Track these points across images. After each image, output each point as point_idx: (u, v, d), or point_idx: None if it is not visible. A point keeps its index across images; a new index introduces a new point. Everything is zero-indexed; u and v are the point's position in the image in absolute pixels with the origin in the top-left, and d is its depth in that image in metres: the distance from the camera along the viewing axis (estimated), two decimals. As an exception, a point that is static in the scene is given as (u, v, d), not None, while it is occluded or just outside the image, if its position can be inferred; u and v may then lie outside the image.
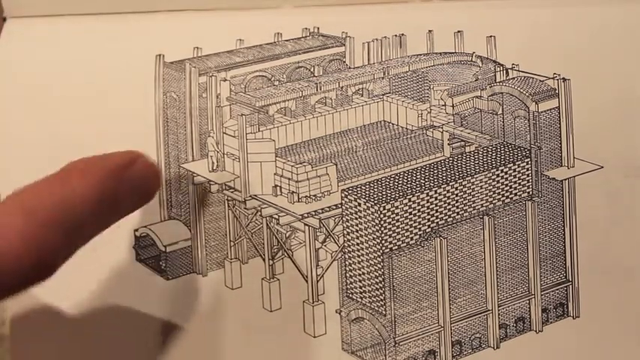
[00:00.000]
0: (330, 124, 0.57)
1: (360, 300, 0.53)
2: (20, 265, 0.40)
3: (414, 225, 0.52)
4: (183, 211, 0.56)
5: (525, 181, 0.54)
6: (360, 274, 0.53)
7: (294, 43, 0.57)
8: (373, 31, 0.56)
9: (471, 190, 0.53)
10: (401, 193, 0.52)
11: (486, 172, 0.53)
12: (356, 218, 0.52)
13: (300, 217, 0.53)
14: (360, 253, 0.53)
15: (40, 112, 0.56)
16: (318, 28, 0.57)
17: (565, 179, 0.53)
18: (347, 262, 0.53)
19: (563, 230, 0.54)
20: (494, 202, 0.53)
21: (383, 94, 0.58)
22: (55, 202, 0.42)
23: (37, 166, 0.56)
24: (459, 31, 0.54)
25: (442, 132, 0.56)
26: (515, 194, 0.54)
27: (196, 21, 0.57)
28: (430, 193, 0.52)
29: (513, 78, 0.54)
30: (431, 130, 0.57)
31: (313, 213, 0.53)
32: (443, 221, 0.53)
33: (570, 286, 0.54)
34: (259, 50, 0.57)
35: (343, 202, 0.53)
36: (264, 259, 0.55)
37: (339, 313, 0.54)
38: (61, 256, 0.42)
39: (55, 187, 0.42)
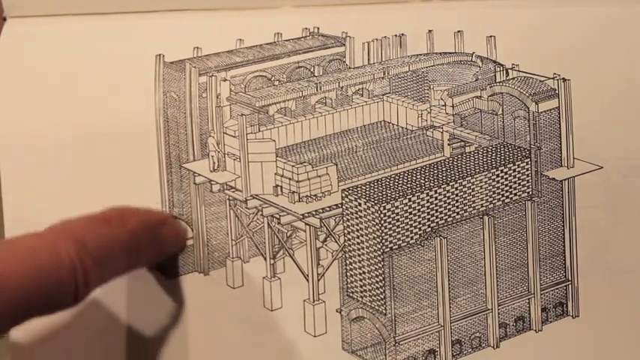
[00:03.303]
0: (330, 124, 0.57)
1: (360, 299, 0.53)
2: (64, 284, 0.44)
3: (414, 225, 0.52)
4: (185, 210, 0.56)
5: (525, 181, 0.54)
6: (360, 274, 0.53)
7: (294, 43, 0.57)
8: (373, 31, 0.56)
9: (470, 190, 0.53)
10: (401, 193, 0.52)
11: (486, 172, 0.53)
12: (356, 218, 0.52)
13: (301, 216, 0.53)
14: (360, 253, 0.53)
15: (41, 111, 0.56)
16: (318, 28, 0.57)
17: (565, 179, 0.53)
18: (347, 262, 0.53)
19: (563, 230, 0.54)
20: (494, 202, 0.54)
21: (383, 94, 0.58)
22: (99, 239, 0.46)
23: (37, 165, 0.56)
24: (459, 31, 0.55)
25: (442, 132, 0.56)
26: (515, 194, 0.54)
27: (196, 21, 0.57)
28: (430, 193, 0.52)
29: (513, 78, 0.54)
30: (431, 130, 0.57)
31: (314, 212, 0.53)
32: (443, 221, 0.53)
33: (570, 285, 0.54)
34: (259, 50, 0.57)
35: (344, 201, 0.53)
36: (265, 258, 0.55)
37: (340, 313, 0.54)
38: (90, 288, 0.45)
39: (99, 226, 0.47)
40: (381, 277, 0.52)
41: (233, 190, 0.55)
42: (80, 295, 0.45)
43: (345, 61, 0.57)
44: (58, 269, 0.43)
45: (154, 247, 0.51)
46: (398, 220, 0.52)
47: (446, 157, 0.56)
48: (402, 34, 0.55)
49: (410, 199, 0.52)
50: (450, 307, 0.53)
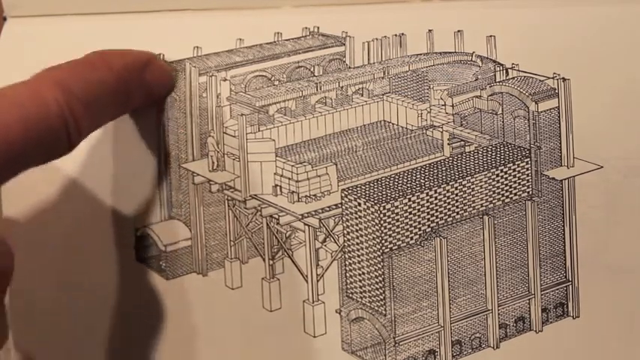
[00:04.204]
0: (330, 123, 0.57)
1: (360, 300, 0.53)
2: (56, 131, 0.44)
3: (414, 225, 0.52)
4: (184, 210, 0.56)
5: (525, 181, 0.54)
6: (360, 274, 0.53)
7: (294, 42, 0.57)
8: (373, 31, 0.56)
9: (470, 190, 0.53)
10: (401, 193, 0.52)
11: (486, 172, 0.53)
12: (356, 218, 0.52)
13: (300, 216, 0.53)
14: (360, 253, 0.53)
15: (40, 111, 0.57)
16: (318, 28, 0.57)
17: (565, 179, 0.53)
18: (347, 262, 0.53)
19: (563, 230, 0.54)
20: (494, 201, 0.53)
21: (383, 94, 0.58)
22: (85, 84, 0.46)
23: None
24: (459, 31, 0.54)
25: (442, 132, 0.56)
26: (515, 194, 0.54)
27: (196, 21, 0.57)
28: (430, 193, 0.52)
29: (513, 78, 0.54)
30: (431, 129, 0.57)
31: (313, 213, 0.53)
32: (443, 221, 0.53)
33: (570, 285, 0.54)
34: (259, 50, 0.57)
35: (343, 201, 0.53)
36: (264, 259, 0.55)
37: (339, 313, 0.54)
38: (83, 132, 0.46)
39: (84, 71, 0.47)
40: (380, 278, 0.52)
41: (232, 190, 0.55)
42: (73, 141, 0.45)
43: (345, 61, 0.57)
44: (47, 118, 0.43)
45: (142, 89, 0.51)
46: (398, 220, 0.52)
47: (446, 157, 0.56)
48: (402, 34, 0.55)
49: (410, 199, 0.52)
50: (450, 307, 0.53)
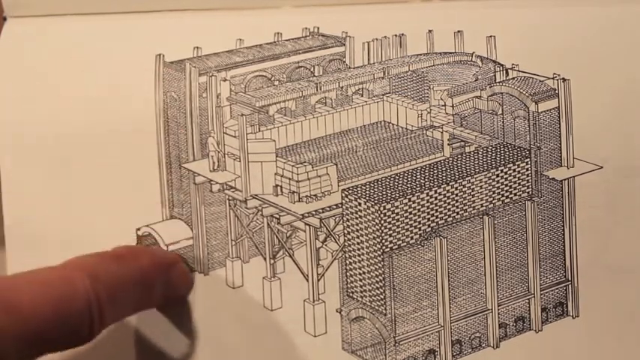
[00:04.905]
0: (330, 124, 0.57)
1: (360, 299, 0.53)
2: (80, 313, 0.44)
3: (414, 224, 0.52)
4: (185, 210, 0.56)
5: (525, 181, 0.54)
6: (360, 274, 0.53)
7: (294, 42, 0.57)
8: (373, 31, 0.56)
9: (470, 190, 0.53)
10: (401, 193, 0.52)
11: (486, 172, 0.53)
12: (356, 218, 0.52)
13: (301, 216, 0.53)
14: (360, 253, 0.53)
15: (40, 111, 0.57)
16: (318, 28, 0.57)
17: (565, 179, 0.53)
18: (347, 262, 0.53)
19: (563, 230, 0.54)
20: (494, 202, 0.54)
21: (383, 94, 0.58)
22: (112, 274, 0.47)
23: (37, 165, 0.56)
24: (459, 31, 0.55)
25: (442, 132, 0.56)
26: (515, 194, 0.54)
27: (196, 21, 0.57)
28: (430, 193, 0.52)
29: (513, 78, 0.54)
30: (431, 130, 0.57)
31: (314, 212, 0.53)
32: (443, 221, 0.53)
33: (570, 285, 0.54)
34: (259, 50, 0.57)
35: (343, 201, 0.53)
36: (265, 259, 0.55)
37: (340, 313, 0.54)
38: (105, 321, 0.46)
39: (112, 262, 0.48)
40: (381, 277, 0.52)
41: (233, 190, 0.55)
42: (95, 327, 0.45)
43: (345, 61, 0.57)
44: (75, 300, 0.44)
45: (166, 288, 0.52)
46: (398, 220, 0.52)
47: (446, 157, 0.56)
48: (402, 34, 0.55)
49: (410, 199, 0.52)
50: (450, 307, 0.53)
